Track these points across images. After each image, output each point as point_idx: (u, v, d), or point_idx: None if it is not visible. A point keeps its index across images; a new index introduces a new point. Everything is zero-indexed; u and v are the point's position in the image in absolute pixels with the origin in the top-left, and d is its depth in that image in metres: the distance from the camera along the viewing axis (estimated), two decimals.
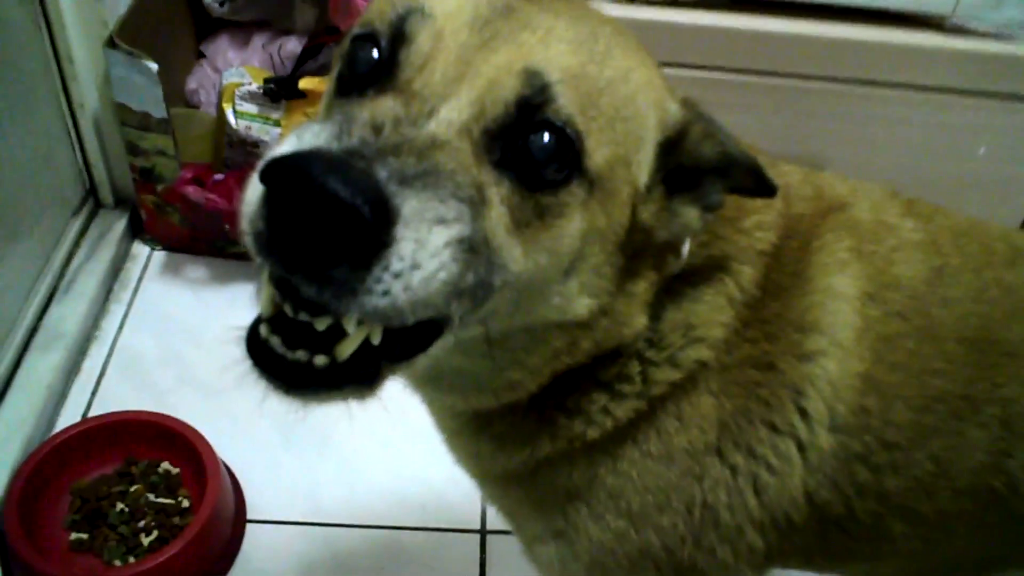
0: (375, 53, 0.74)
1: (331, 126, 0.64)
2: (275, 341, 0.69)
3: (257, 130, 2.06)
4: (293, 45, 2.27)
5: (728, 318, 0.89)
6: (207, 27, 2.39)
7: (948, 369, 0.91)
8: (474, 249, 0.66)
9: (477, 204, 0.67)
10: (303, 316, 0.67)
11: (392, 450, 1.79)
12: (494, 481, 1.02)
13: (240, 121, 2.05)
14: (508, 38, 0.72)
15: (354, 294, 0.61)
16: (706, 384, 0.90)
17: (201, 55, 2.38)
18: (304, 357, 0.68)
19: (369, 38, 0.75)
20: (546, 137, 0.71)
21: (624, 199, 0.79)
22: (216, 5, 2.28)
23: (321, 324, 0.67)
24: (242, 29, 2.36)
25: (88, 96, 2.06)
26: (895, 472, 0.91)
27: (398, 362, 0.73)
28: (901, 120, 2.10)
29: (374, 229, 0.59)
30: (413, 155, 0.63)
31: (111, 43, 1.92)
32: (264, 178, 0.59)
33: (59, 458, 1.60)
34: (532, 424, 0.92)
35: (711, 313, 0.89)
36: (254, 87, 2.05)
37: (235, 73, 2.13)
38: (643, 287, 0.86)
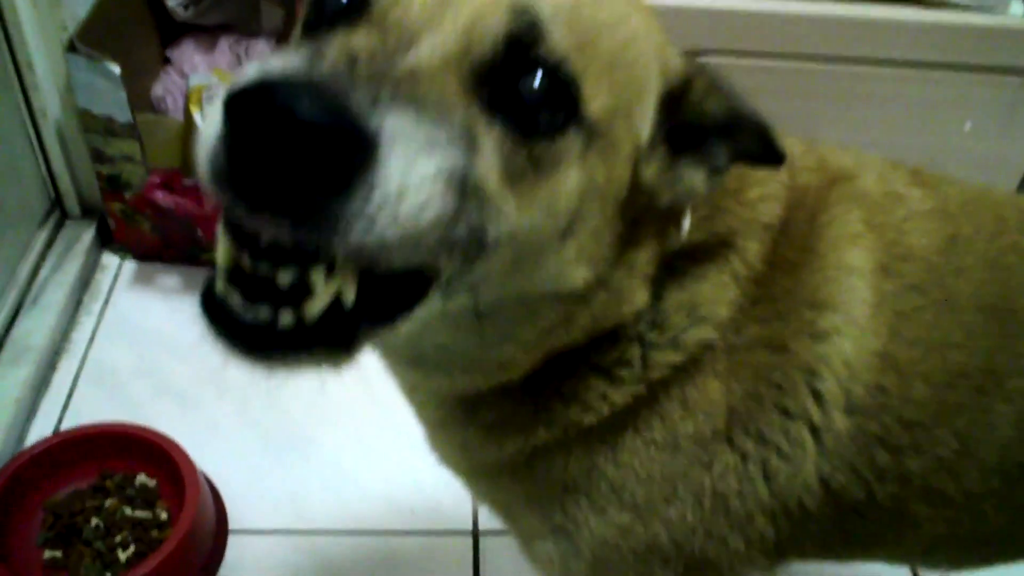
0: None
1: (299, 56, 0.57)
2: (234, 298, 0.61)
3: None
4: (261, 47, 2.22)
5: (734, 296, 0.85)
6: (171, 32, 2.33)
7: (968, 342, 0.87)
8: (464, 193, 0.60)
9: (467, 142, 0.61)
10: (263, 268, 0.60)
11: (378, 452, 1.75)
12: (485, 475, 0.97)
13: None
14: None
15: (332, 229, 0.54)
16: (712, 367, 0.85)
17: (167, 61, 2.33)
18: (266, 316, 0.61)
19: None
20: (538, 79, 0.65)
21: (625, 154, 0.74)
22: (180, 9, 2.23)
23: (284, 277, 0.60)
24: (207, 33, 2.31)
25: (50, 103, 1.99)
26: (917, 453, 0.87)
27: (378, 325, 0.66)
28: (884, 97, 2.06)
29: (352, 150, 0.53)
30: (391, 85, 0.57)
31: (72, 47, 1.85)
32: (227, 106, 0.53)
33: (30, 474, 1.54)
34: (525, 411, 0.87)
35: (716, 291, 0.85)
36: (222, 89, 1.99)
37: (202, 76, 2.07)
38: (644, 258, 0.81)
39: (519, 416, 0.87)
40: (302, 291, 0.61)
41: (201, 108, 1.99)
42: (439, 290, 0.66)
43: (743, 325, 0.85)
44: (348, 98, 0.53)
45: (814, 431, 0.86)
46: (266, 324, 0.61)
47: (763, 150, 0.78)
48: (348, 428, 1.77)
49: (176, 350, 1.91)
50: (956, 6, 2.01)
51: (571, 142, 0.68)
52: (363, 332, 0.65)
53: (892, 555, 1.02)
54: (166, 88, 2.24)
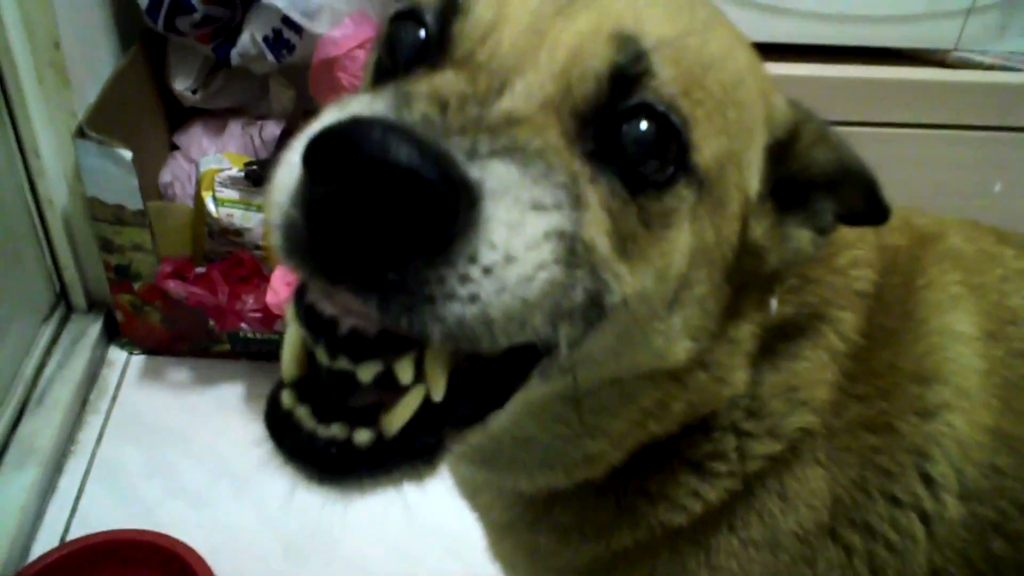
0: (421, 33, 0.61)
1: (382, 99, 0.50)
2: (302, 412, 0.55)
3: (240, 217, 1.94)
4: (272, 128, 2.18)
5: (832, 375, 0.77)
6: (179, 117, 2.30)
7: None
8: (574, 257, 0.52)
9: (574, 199, 0.53)
10: (341, 364, 0.52)
11: (404, 554, 1.64)
12: None
13: (221, 208, 1.94)
14: (588, 3, 0.60)
15: (431, 302, 0.46)
16: (813, 454, 0.77)
17: (174, 147, 2.29)
18: (341, 434, 0.54)
19: (412, 15, 0.62)
20: (644, 125, 0.58)
21: (735, 210, 0.67)
22: (188, 93, 2.20)
23: (366, 373, 0.52)
24: (216, 117, 2.28)
25: (56, 192, 1.93)
26: None
27: (466, 426, 0.58)
28: (911, 160, 2.03)
29: (453, 205, 0.45)
30: (487, 134, 0.50)
31: (81, 133, 1.80)
32: (308, 150, 0.46)
33: None
34: (606, 511, 0.79)
35: (813, 371, 0.77)
36: (234, 171, 1.94)
37: (213, 159, 2.03)
38: (746, 332, 0.74)
39: (599, 517, 0.79)
40: (380, 399, 0.54)
41: (213, 192, 1.94)
42: (552, 363, 0.58)
43: (843, 406, 0.78)
44: (444, 146, 0.46)
45: (925, 520, 0.78)
46: (341, 443, 0.54)
47: (867, 206, 0.71)
48: (373, 528, 1.65)
49: (188, 448, 1.83)
50: (980, 66, 1.99)
51: (682, 196, 0.61)
52: (449, 438, 0.57)
53: None
54: (174, 174, 2.19)
